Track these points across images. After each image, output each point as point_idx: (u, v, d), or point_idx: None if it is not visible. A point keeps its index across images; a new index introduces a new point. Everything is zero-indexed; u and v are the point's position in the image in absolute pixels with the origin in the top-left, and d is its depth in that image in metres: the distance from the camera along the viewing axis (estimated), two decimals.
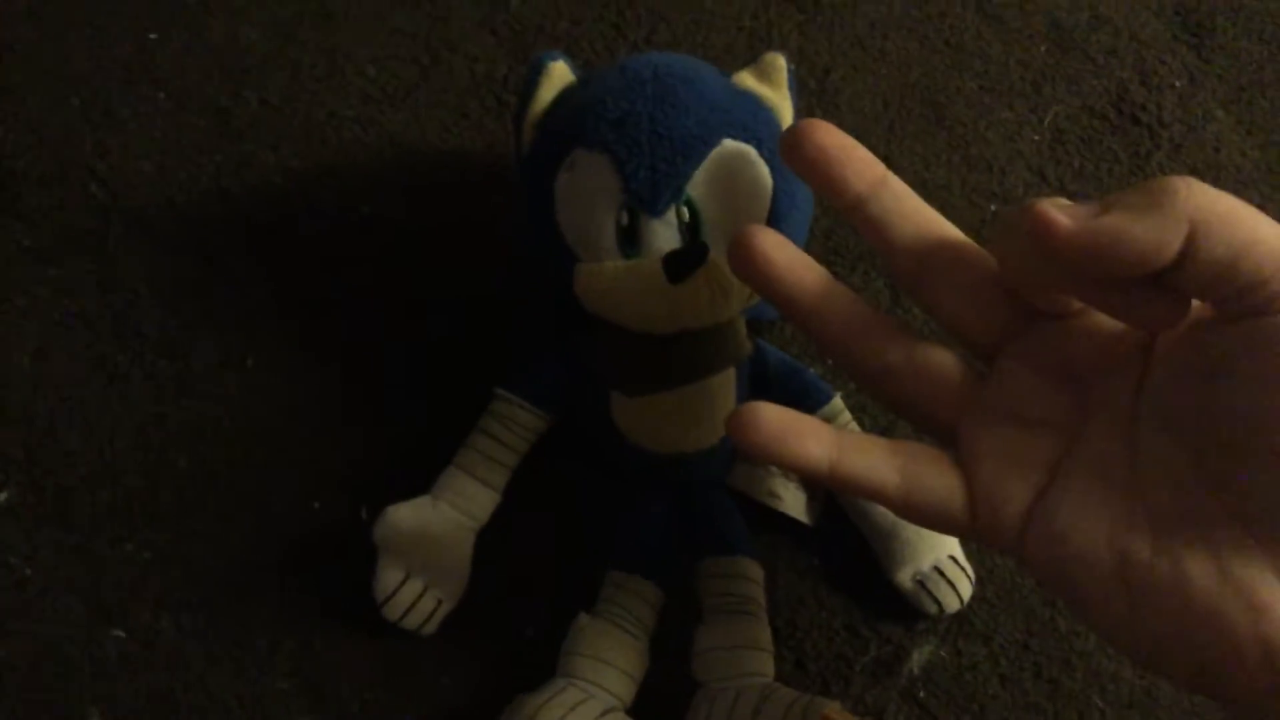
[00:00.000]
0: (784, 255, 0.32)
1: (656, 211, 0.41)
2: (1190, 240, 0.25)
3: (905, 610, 0.45)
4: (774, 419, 0.30)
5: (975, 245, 0.31)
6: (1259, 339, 0.25)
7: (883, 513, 0.45)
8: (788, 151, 0.31)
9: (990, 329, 0.31)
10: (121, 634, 0.45)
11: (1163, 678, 0.34)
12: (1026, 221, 0.26)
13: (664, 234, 0.42)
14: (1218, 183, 0.55)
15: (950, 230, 0.32)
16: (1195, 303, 0.28)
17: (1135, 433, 0.29)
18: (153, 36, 0.58)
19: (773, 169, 0.43)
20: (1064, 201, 0.27)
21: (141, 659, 0.45)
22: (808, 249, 0.48)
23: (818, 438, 0.30)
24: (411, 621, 0.44)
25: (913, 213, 0.32)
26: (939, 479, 0.30)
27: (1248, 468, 0.26)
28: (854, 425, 0.47)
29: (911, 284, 0.32)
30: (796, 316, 0.32)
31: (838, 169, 0.31)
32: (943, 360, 0.31)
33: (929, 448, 0.31)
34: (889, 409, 0.33)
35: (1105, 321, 0.30)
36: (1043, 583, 0.31)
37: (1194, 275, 0.25)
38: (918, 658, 0.45)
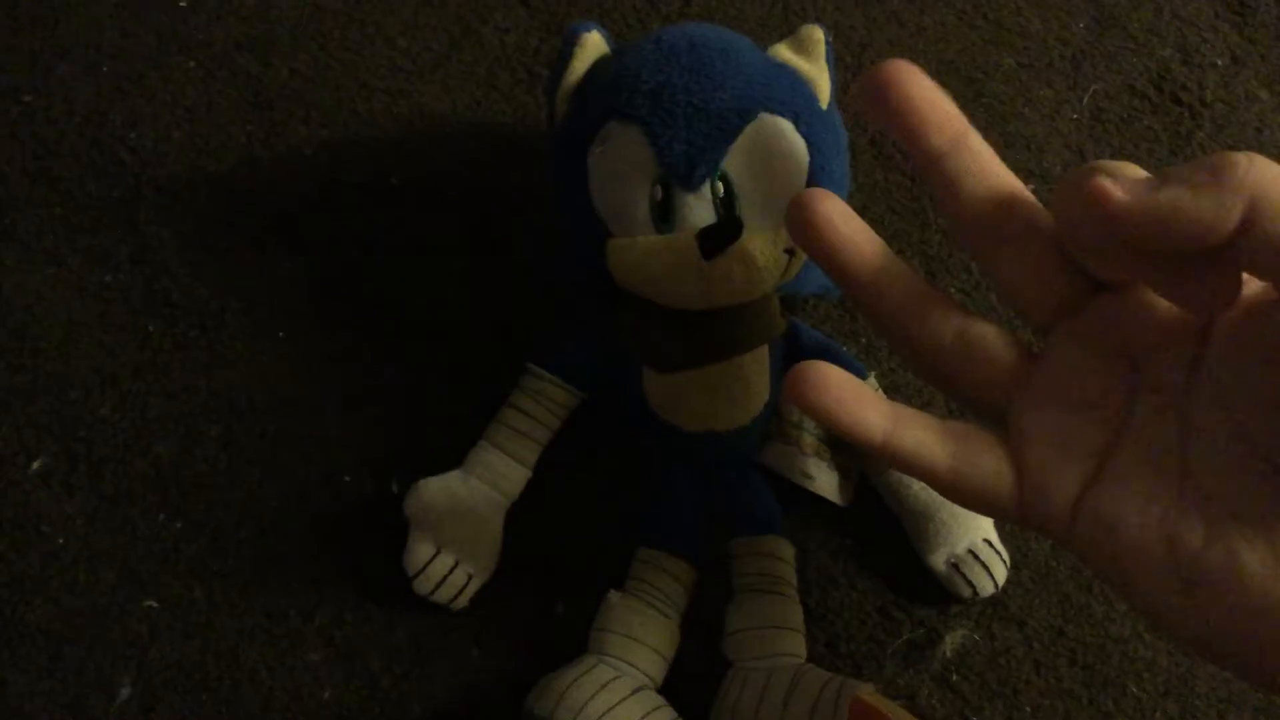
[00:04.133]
0: (845, 223, 0.30)
1: (691, 186, 0.41)
2: (1249, 216, 0.24)
3: (939, 593, 0.45)
4: (838, 380, 0.29)
5: (1046, 212, 0.30)
6: None
7: (916, 494, 0.45)
8: (868, 95, 0.30)
9: (1048, 302, 0.30)
10: (154, 604, 0.45)
11: (1214, 665, 0.34)
12: (1084, 189, 0.25)
13: (698, 209, 0.41)
14: None
15: (1023, 194, 0.30)
16: (1256, 283, 0.27)
17: (1188, 415, 0.28)
18: (183, 4, 0.58)
19: (810, 144, 0.42)
20: (1126, 167, 0.26)
21: (173, 629, 0.45)
22: None
23: (876, 407, 0.29)
24: (443, 596, 0.44)
25: (988, 172, 0.30)
26: (989, 462, 0.29)
27: None
28: None
29: (976, 246, 0.31)
30: (851, 287, 0.31)
31: (919, 121, 0.29)
32: (995, 339, 0.30)
33: (981, 429, 0.30)
34: (937, 387, 0.32)
35: (1162, 301, 0.29)
36: (1092, 570, 0.30)
37: (1252, 251, 0.24)
38: (951, 641, 0.45)
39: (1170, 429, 0.28)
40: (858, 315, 0.51)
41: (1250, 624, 0.26)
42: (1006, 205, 0.30)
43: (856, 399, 0.29)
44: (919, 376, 0.39)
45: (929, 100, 0.29)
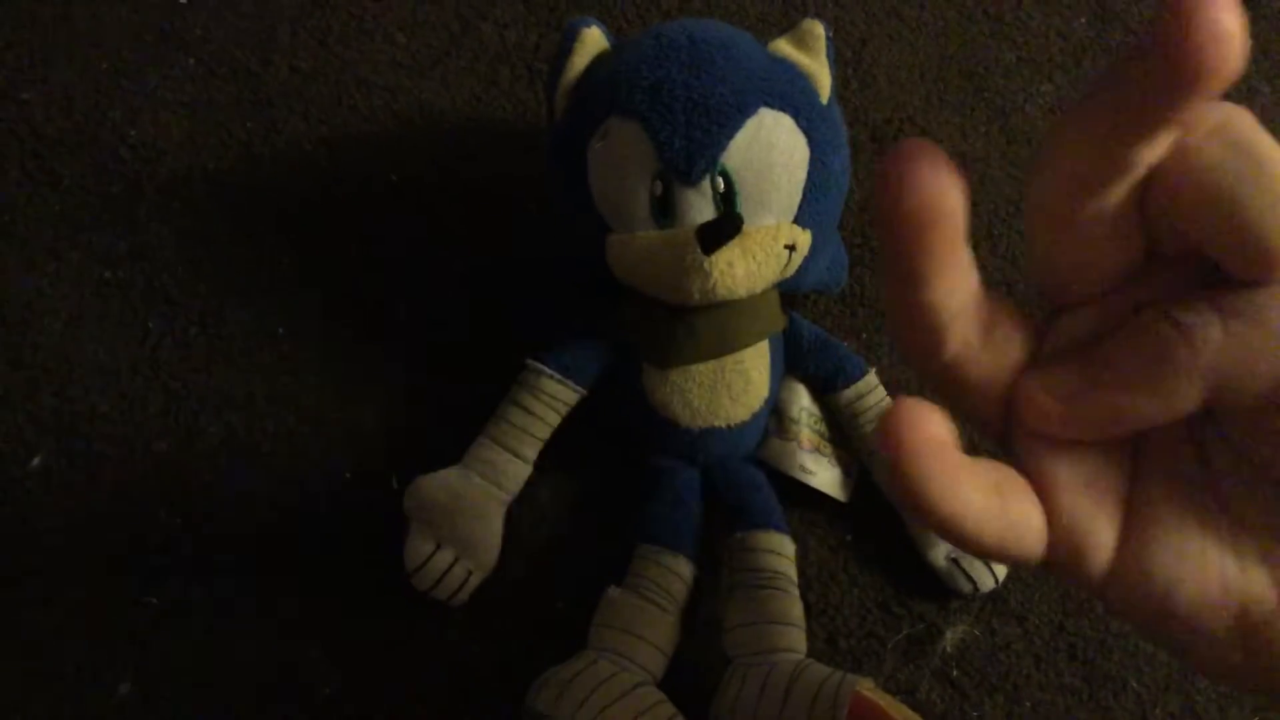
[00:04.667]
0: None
1: (691, 181, 0.41)
2: (1214, 398, 0.21)
3: (939, 589, 0.45)
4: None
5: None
6: None
7: None
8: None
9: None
10: (153, 600, 0.45)
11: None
12: (1018, 408, 0.23)
13: (698, 204, 0.41)
14: None
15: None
16: None
17: (1202, 433, 0.24)
18: (183, 2, 0.58)
19: (810, 139, 0.42)
20: (1051, 377, 0.23)
21: (173, 626, 0.45)
22: (842, 220, 0.48)
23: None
24: (442, 591, 0.43)
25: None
26: (1022, 511, 0.23)
27: None
28: (887, 401, 0.46)
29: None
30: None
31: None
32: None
33: (1010, 470, 0.24)
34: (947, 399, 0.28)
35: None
36: (1137, 630, 0.25)
37: (1240, 413, 0.21)
38: (951, 637, 0.45)
39: (1190, 453, 0.24)
40: (858, 310, 0.51)
41: None
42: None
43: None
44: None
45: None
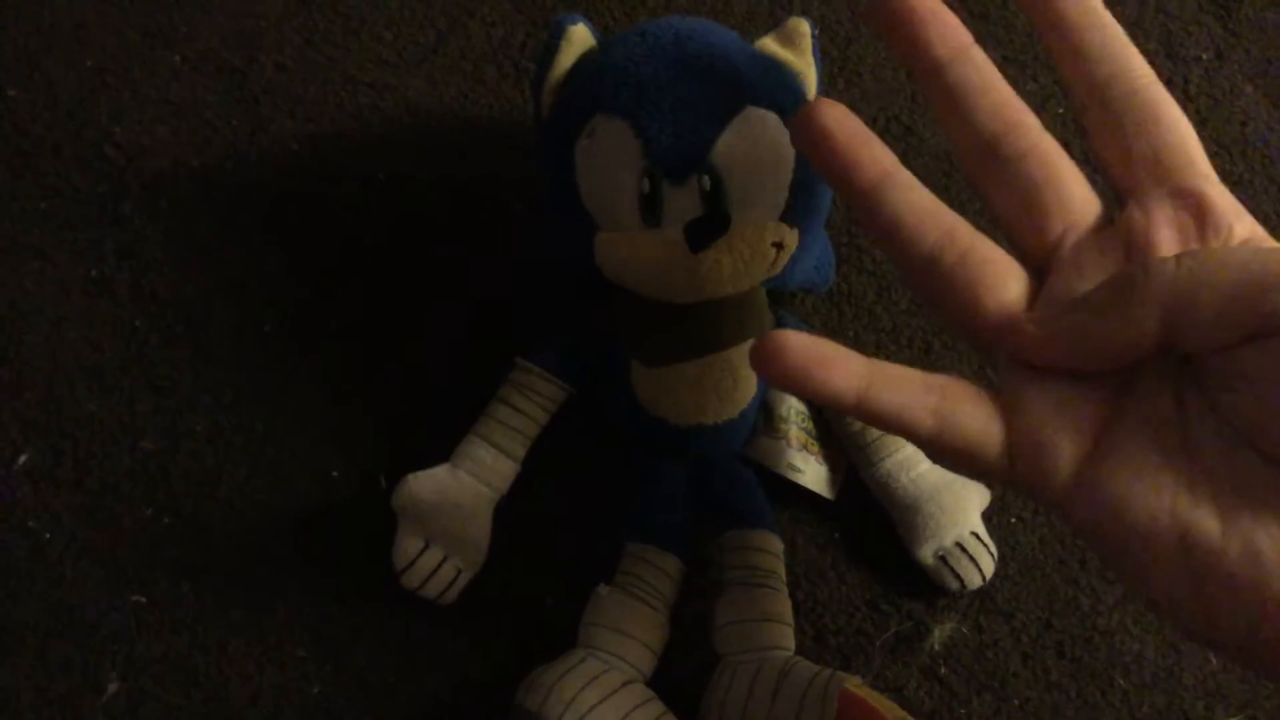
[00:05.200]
0: (845, 129, 0.30)
1: (678, 179, 0.41)
2: (1170, 321, 0.24)
3: (927, 586, 0.45)
4: (800, 347, 0.27)
5: (1048, 136, 0.29)
6: None
7: (905, 488, 0.45)
8: (869, 10, 0.30)
9: (1046, 237, 0.29)
10: (141, 599, 0.45)
11: (1225, 659, 0.32)
12: (1003, 337, 0.27)
13: (686, 202, 0.41)
14: (1245, 157, 0.55)
15: (1027, 115, 0.30)
16: None
17: (1182, 388, 0.27)
18: None
19: None
20: (1036, 317, 0.27)
21: (160, 624, 0.45)
22: (830, 219, 0.48)
23: (846, 368, 0.27)
24: (431, 590, 0.43)
25: (990, 86, 0.29)
26: (976, 420, 0.27)
27: None
28: None
29: (977, 169, 0.30)
30: (853, 196, 0.30)
31: (920, 29, 0.29)
32: (1002, 268, 0.29)
33: (967, 385, 0.28)
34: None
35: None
36: (1096, 552, 0.28)
37: (1194, 344, 0.25)
38: (939, 634, 0.45)
39: (1169, 400, 0.27)
40: (845, 309, 0.51)
41: (1269, 620, 0.24)
42: (1011, 125, 0.29)
43: (821, 361, 0.27)
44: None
45: (931, 10, 0.29)
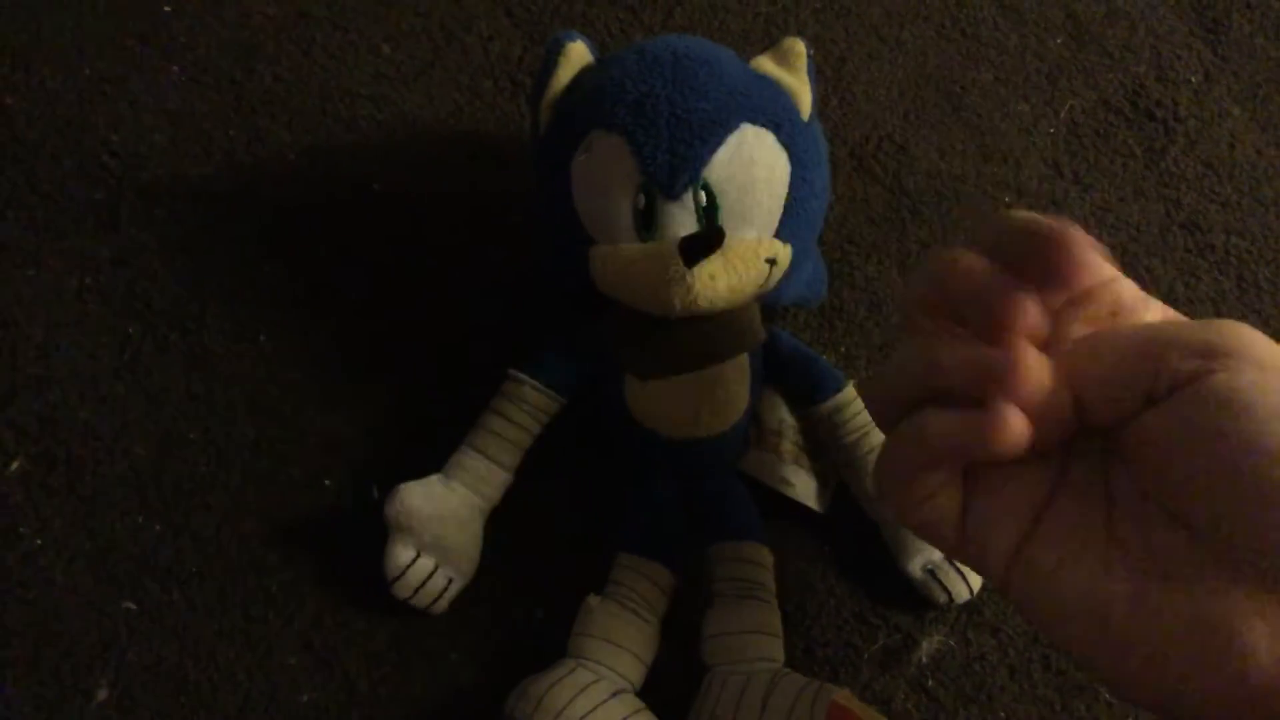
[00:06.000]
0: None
1: (673, 194, 0.41)
2: (1076, 396, 0.27)
3: (915, 599, 0.45)
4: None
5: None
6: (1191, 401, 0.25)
7: None
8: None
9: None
10: (132, 606, 0.45)
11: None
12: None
13: (680, 217, 0.42)
14: (1232, 179, 0.55)
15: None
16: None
17: (1108, 464, 0.28)
18: (167, 9, 0.58)
19: (791, 154, 0.43)
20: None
21: (151, 631, 0.44)
22: (822, 236, 0.49)
23: None
24: (422, 600, 0.44)
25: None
26: (945, 498, 0.29)
27: (1222, 510, 0.25)
28: (865, 413, 0.47)
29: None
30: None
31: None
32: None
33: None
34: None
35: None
36: (1027, 622, 0.30)
37: (1102, 413, 0.27)
38: (927, 647, 0.45)
39: (1097, 480, 0.28)
40: (837, 324, 0.52)
41: (1185, 684, 0.25)
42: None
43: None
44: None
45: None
